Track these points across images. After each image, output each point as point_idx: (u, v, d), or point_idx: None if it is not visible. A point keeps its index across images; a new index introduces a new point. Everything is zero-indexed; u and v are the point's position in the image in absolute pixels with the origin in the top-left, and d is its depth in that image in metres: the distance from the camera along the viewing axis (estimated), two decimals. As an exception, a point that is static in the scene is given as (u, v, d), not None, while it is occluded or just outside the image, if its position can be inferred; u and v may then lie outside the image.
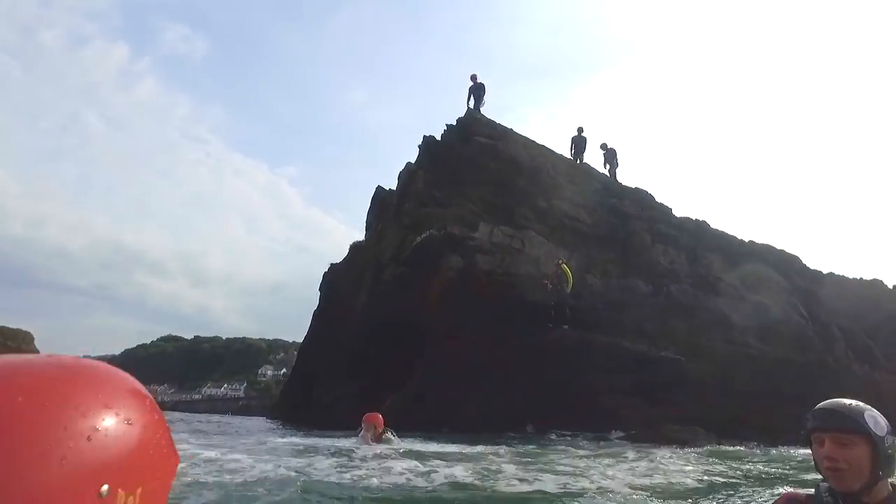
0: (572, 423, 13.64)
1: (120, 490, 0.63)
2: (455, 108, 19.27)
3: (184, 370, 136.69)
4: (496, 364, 14.59)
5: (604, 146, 20.76)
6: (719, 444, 13.00)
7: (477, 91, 19.05)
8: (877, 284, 20.67)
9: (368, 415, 9.66)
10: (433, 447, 9.32)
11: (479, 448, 9.70)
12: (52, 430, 0.60)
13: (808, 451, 1.81)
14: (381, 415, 9.81)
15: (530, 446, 10.40)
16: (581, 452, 9.59)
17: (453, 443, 10.26)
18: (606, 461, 8.08)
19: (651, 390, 14.52)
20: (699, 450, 11.28)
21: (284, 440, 11.00)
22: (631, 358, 14.80)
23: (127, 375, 0.76)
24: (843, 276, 21.01)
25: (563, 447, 10.46)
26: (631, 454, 9.49)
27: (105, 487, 0.61)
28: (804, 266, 20.26)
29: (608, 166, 20.61)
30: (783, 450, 11.92)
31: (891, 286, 20.89)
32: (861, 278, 21.16)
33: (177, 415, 37.17)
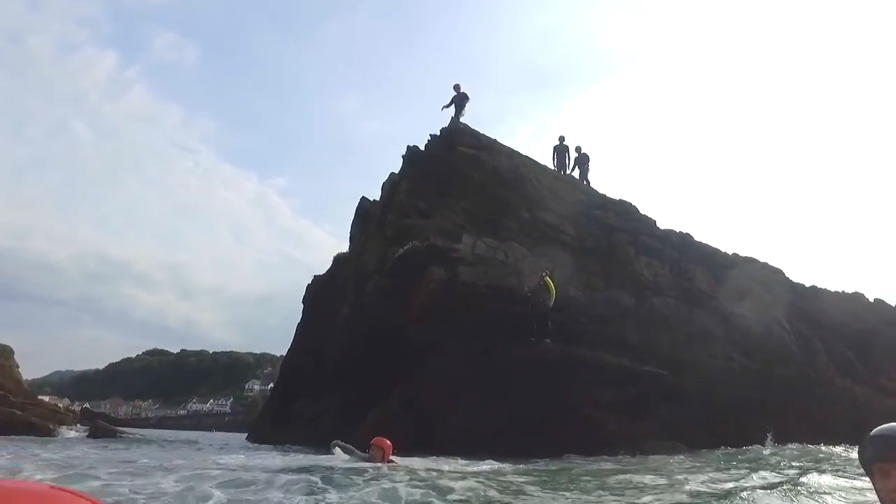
0: (558, 439, 13.48)
1: None
2: (444, 119, 19.20)
3: (169, 385, 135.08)
4: (478, 377, 14.43)
5: (578, 149, 20.95)
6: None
7: (459, 100, 19.02)
8: (858, 298, 20.75)
9: (377, 439, 9.23)
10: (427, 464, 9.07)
11: (484, 466, 9.48)
12: None
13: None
14: (379, 438, 9.24)
15: (538, 463, 10.16)
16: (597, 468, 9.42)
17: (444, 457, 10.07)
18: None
19: (634, 405, 14.41)
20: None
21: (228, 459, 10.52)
22: (614, 372, 14.69)
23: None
24: (825, 289, 21.08)
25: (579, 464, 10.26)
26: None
27: None
28: (787, 279, 20.32)
29: (579, 170, 20.79)
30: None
31: (872, 299, 20.98)
32: (843, 291, 21.24)
33: (154, 433, 36.45)
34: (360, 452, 9.22)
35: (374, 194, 21.74)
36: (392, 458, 9.07)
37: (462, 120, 18.82)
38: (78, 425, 26.73)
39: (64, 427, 23.58)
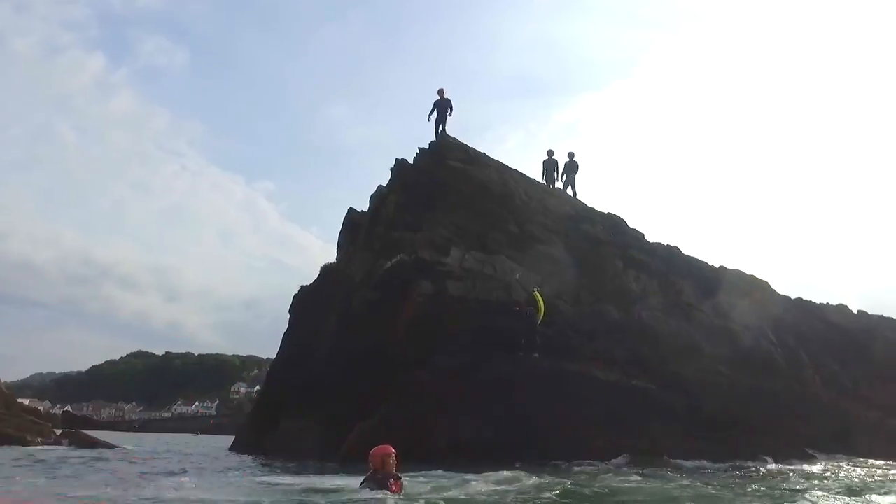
0: (546, 453, 13.44)
1: None
2: (431, 128, 19.00)
3: (154, 387, 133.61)
4: (466, 392, 14.36)
5: (570, 155, 20.62)
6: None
7: (442, 107, 18.63)
8: (842, 310, 20.97)
9: (378, 448, 7.19)
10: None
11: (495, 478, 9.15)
12: None
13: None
14: (381, 447, 7.24)
15: (546, 477, 9.95)
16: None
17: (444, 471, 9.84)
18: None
19: (622, 419, 14.41)
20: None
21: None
22: (602, 386, 14.69)
23: None
24: (810, 301, 21.28)
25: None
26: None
27: None
28: (774, 291, 20.48)
29: (566, 176, 20.37)
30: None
31: (855, 311, 21.21)
32: (828, 303, 21.45)
33: (137, 437, 35.83)
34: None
35: (361, 199, 21.63)
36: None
37: (446, 129, 18.64)
38: (59, 432, 26.21)
39: (40, 439, 23.07)
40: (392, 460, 7.08)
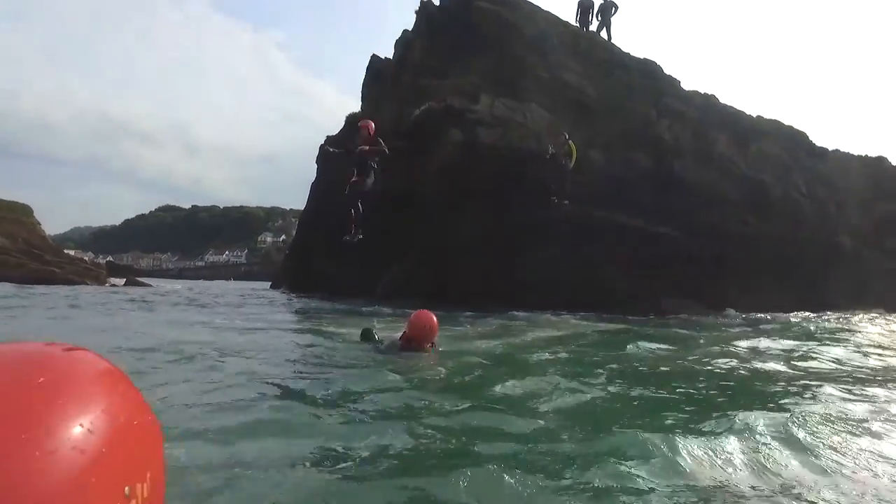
0: (574, 295, 14.03)
1: (137, 484, 0.65)
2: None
3: (184, 239, 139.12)
4: (496, 238, 14.76)
5: None
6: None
7: None
8: (881, 162, 20.43)
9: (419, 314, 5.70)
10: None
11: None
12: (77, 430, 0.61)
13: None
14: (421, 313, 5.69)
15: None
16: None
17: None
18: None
19: (648, 265, 14.84)
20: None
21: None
22: (630, 233, 14.96)
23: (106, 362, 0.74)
24: (848, 152, 20.71)
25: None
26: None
27: (127, 489, 0.63)
28: (811, 143, 19.90)
29: (601, 17, 18.76)
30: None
31: (895, 163, 20.67)
32: (866, 155, 20.87)
33: (185, 283, 38.15)
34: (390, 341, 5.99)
35: (379, 45, 20.80)
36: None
37: None
38: (111, 280, 28.07)
39: (97, 282, 24.79)
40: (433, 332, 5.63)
